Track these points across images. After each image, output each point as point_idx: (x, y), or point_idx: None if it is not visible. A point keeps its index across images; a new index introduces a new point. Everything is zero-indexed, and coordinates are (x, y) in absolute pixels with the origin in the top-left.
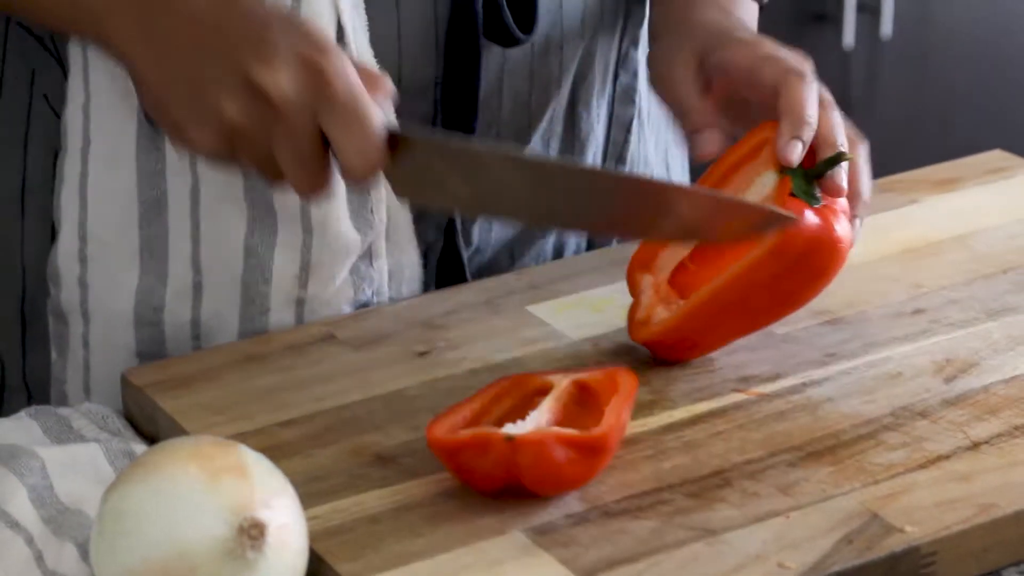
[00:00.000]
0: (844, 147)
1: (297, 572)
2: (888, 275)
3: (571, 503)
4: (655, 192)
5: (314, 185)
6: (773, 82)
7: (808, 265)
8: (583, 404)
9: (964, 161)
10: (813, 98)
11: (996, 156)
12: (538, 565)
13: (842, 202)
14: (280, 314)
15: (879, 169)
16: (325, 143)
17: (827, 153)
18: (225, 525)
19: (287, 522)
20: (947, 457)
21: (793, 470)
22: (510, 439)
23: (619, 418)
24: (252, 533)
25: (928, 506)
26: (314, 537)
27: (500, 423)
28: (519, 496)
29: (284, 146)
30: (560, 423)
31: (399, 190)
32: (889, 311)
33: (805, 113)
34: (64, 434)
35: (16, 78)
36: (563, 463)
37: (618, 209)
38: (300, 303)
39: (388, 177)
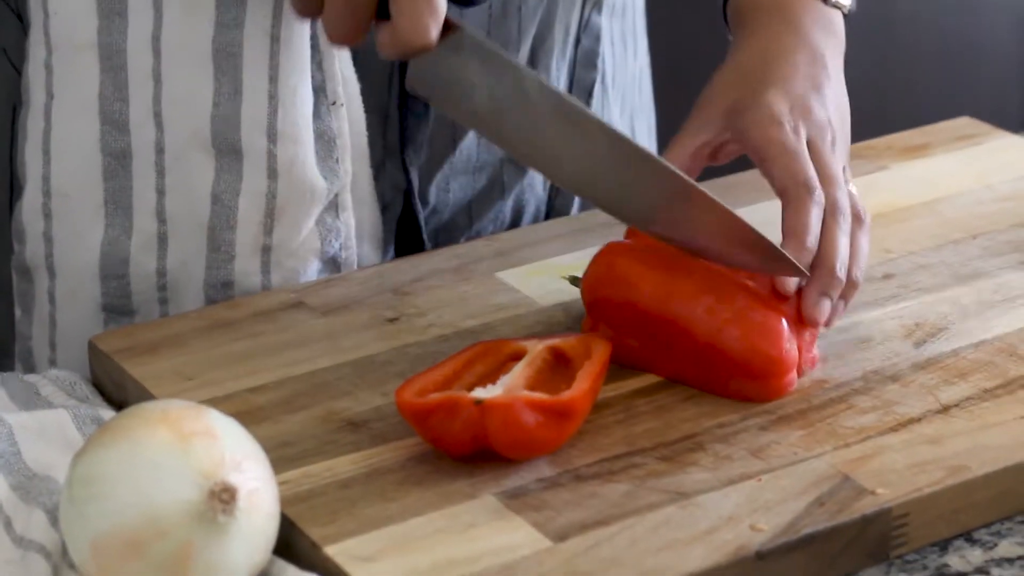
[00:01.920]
0: (840, 270)
1: (268, 536)
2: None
3: (542, 467)
4: (686, 192)
5: (348, 32)
6: (779, 185)
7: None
8: (557, 371)
9: (932, 128)
10: (814, 219)
11: (964, 123)
12: (510, 529)
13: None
14: (246, 262)
15: None
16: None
17: (820, 276)
18: (195, 489)
19: (258, 486)
20: (917, 420)
21: (764, 433)
22: (479, 403)
23: (590, 383)
24: (223, 497)
25: (899, 469)
26: (285, 502)
27: (472, 388)
28: (490, 460)
29: None
30: (533, 389)
31: (419, 83)
32: None
33: (806, 240)
34: (31, 400)
35: None
36: (532, 427)
37: (640, 194)
38: (266, 251)
39: (417, 63)
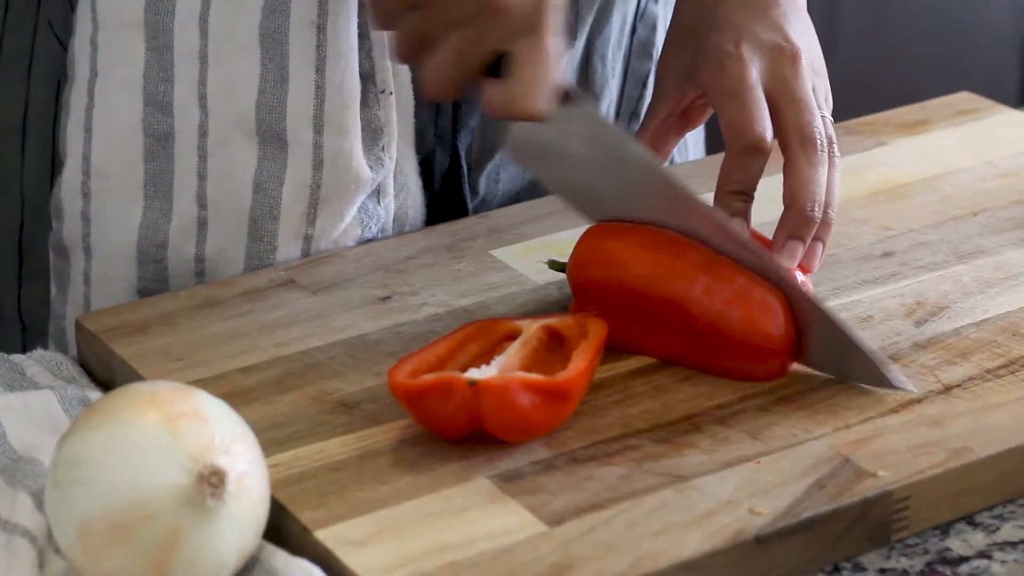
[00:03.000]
0: (810, 209)
1: (258, 521)
2: (856, 218)
3: (538, 449)
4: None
5: (447, 92)
6: (734, 122)
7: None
8: (552, 350)
9: (931, 103)
10: (754, 165)
11: (964, 98)
12: (505, 512)
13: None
14: (287, 250)
15: (840, 112)
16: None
17: (789, 218)
18: (184, 472)
19: (248, 469)
20: (919, 401)
21: (764, 415)
22: (473, 384)
23: (587, 364)
24: (212, 481)
25: (900, 451)
26: (276, 485)
27: (465, 369)
28: (484, 442)
29: (458, 43)
30: (527, 369)
31: (518, 147)
32: (858, 254)
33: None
34: (17, 381)
35: (22, 6)
36: (527, 409)
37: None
38: (308, 239)
39: (522, 126)
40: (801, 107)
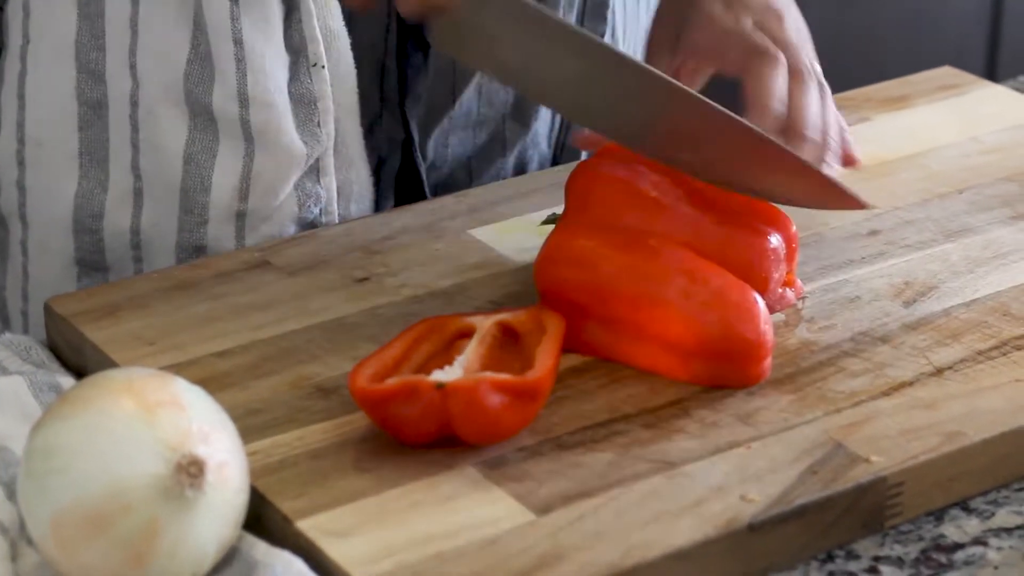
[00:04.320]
0: (815, 133)
1: (238, 511)
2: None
3: (523, 436)
4: (739, 133)
5: None
6: (739, 63)
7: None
8: (506, 347)
9: (913, 78)
10: (778, 83)
11: (946, 72)
12: (491, 501)
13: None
14: (219, 227)
15: None
16: None
17: (792, 140)
18: (162, 462)
19: (227, 458)
20: (910, 384)
21: (752, 399)
22: (440, 386)
23: (553, 361)
24: (191, 470)
25: (893, 435)
26: (255, 474)
27: (421, 370)
28: (451, 446)
29: None
30: (487, 368)
31: (443, 40)
32: (844, 233)
33: (770, 105)
34: None
35: None
36: (498, 409)
37: (685, 131)
38: (240, 216)
39: (437, 21)
40: (789, 47)
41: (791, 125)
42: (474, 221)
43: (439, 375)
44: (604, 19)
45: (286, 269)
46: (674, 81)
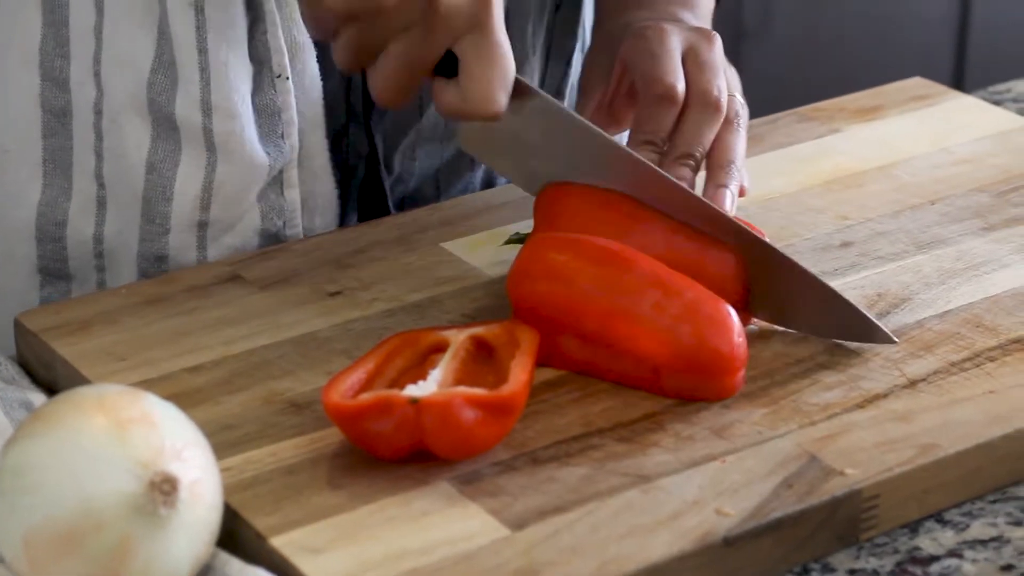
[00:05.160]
0: (735, 167)
1: (211, 528)
2: (813, 207)
3: (497, 450)
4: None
5: (398, 97)
6: (641, 90)
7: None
8: (480, 361)
9: (884, 89)
10: (705, 126)
11: (917, 83)
12: (466, 516)
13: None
14: (181, 236)
15: (777, 102)
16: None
17: (716, 176)
18: (135, 480)
19: (200, 476)
20: (884, 396)
21: (727, 412)
22: (414, 401)
23: (528, 375)
24: (164, 488)
25: (867, 447)
26: (228, 490)
27: (394, 384)
28: (424, 461)
29: (404, 49)
30: (461, 382)
31: (472, 141)
32: (816, 244)
33: (693, 148)
34: None
35: None
36: (472, 425)
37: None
38: (202, 226)
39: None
40: (708, 70)
41: (716, 161)
42: (446, 234)
43: (413, 390)
44: (575, 34)
45: (257, 283)
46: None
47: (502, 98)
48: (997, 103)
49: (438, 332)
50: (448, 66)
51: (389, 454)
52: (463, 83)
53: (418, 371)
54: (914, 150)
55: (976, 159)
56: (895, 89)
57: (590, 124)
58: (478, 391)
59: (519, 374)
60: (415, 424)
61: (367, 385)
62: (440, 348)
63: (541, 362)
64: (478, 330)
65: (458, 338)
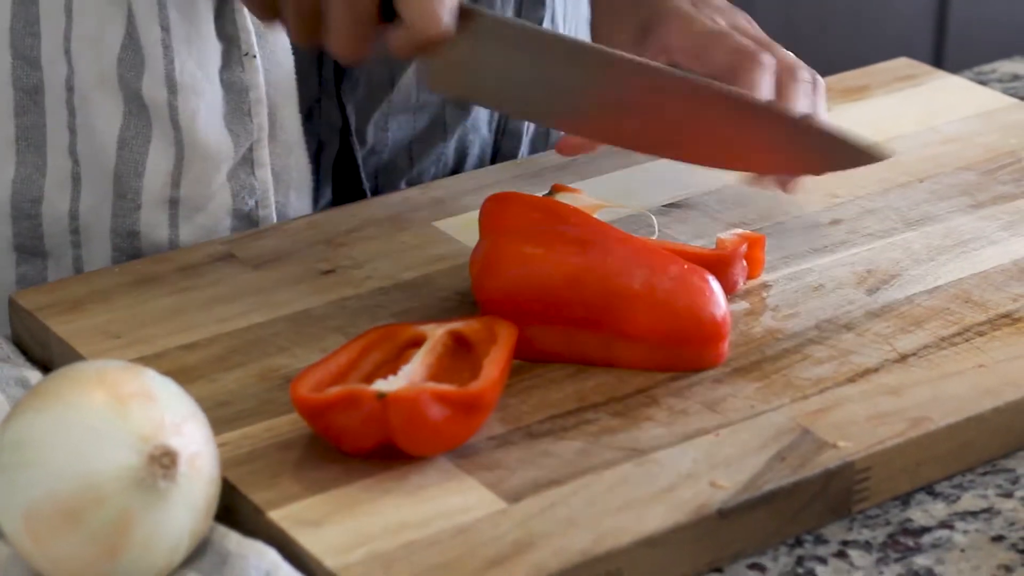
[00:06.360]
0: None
1: (209, 502)
2: (802, 185)
3: (493, 424)
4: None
5: (357, 49)
6: (725, 65)
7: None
8: (458, 356)
9: (871, 69)
10: (768, 81)
11: (903, 63)
12: (462, 489)
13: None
14: (152, 213)
15: None
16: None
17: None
18: (135, 454)
19: (199, 449)
20: (875, 370)
21: (719, 386)
22: (381, 396)
23: (499, 372)
24: (164, 461)
25: (860, 421)
26: (225, 465)
27: (370, 378)
28: (392, 458)
29: (340, 3)
30: (435, 377)
31: (441, 82)
32: (806, 222)
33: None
34: None
35: None
36: (439, 422)
37: (693, 125)
38: (174, 203)
39: (434, 61)
40: (772, 47)
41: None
42: (439, 213)
43: (381, 384)
44: (543, 4)
45: (251, 262)
46: (670, 68)
47: (443, 14)
48: (983, 83)
49: (417, 327)
50: (393, 11)
51: (355, 449)
52: (403, 11)
53: (394, 365)
54: (901, 129)
55: (963, 138)
56: (881, 69)
57: (547, 30)
58: (446, 387)
59: (490, 371)
60: (382, 419)
61: (340, 378)
62: (418, 343)
63: (520, 357)
64: (456, 325)
65: (435, 333)
